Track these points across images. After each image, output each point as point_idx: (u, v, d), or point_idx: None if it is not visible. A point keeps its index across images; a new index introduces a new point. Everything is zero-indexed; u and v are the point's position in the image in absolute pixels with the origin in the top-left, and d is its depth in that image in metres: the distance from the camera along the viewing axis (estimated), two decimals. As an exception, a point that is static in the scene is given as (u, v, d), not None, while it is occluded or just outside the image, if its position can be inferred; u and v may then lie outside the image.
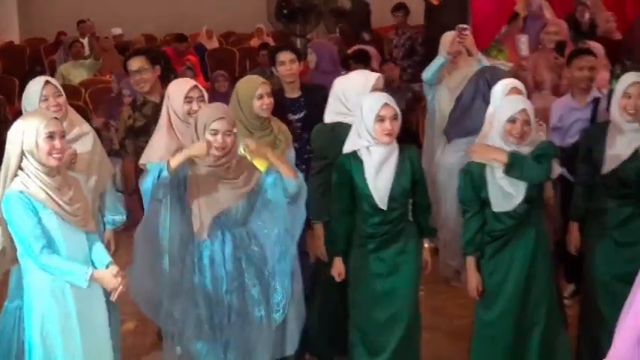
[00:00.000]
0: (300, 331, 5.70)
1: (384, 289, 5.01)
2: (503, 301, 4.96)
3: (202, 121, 4.51)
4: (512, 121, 4.75)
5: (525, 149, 4.83)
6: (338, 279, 5.10)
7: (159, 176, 4.41)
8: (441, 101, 7.63)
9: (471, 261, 4.99)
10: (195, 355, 4.70)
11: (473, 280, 4.97)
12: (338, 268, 5.09)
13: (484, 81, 6.50)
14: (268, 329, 4.85)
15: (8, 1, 15.84)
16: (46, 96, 4.92)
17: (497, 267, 4.96)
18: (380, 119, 4.75)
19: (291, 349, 5.67)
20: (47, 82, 5.04)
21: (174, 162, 4.43)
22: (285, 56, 6.46)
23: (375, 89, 5.33)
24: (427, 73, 7.71)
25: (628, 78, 5.06)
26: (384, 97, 4.90)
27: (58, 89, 5.05)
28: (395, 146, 4.92)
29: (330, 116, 5.47)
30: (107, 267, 4.23)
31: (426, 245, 5.23)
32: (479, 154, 4.87)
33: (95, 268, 4.21)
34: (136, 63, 6.24)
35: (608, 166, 5.06)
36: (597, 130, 5.28)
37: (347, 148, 4.93)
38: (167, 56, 11.68)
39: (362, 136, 4.86)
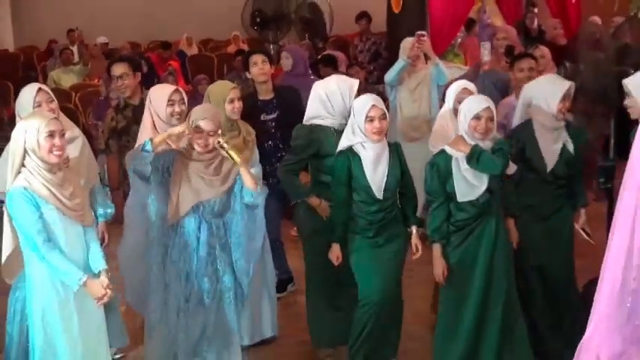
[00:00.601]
0: (275, 314, 5.81)
1: (381, 257, 5.04)
2: (468, 287, 4.97)
3: (192, 117, 4.57)
4: (477, 118, 4.79)
5: (487, 144, 4.87)
6: (335, 263, 5.08)
7: (142, 148, 4.46)
8: (402, 101, 7.68)
9: (437, 248, 4.98)
10: (175, 339, 4.70)
11: (439, 266, 4.97)
12: (335, 253, 5.07)
13: (489, 83, 6.53)
14: (243, 314, 4.92)
15: (2, 12, 15.73)
16: (39, 102, 4.89)
17: (463, 256, 4.98)
18: (370, 119, 4.81)
19: (269, 331, 5.74)
20: (40, 89, 5.01)
21: (158, 138, 4.49)
22: (257, 58, 6.49)
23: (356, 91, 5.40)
24: (389, 76, 7.74)
25: (477, 102, 5.00)
26: (372, 99, 4.95)
27: (50, 95, 5.03)
28: (385, 142, 4.99)
29: (309, 118, 5.45)
30: (100, 273, 4.24)
31: (414, 231, 5.23)
32: (453, 143, 4.88)
33: (91, 268, 4.22)
34: (119, 69, 6.17)
35: (550, 162, 5.12)
36: (526, 129, 5.28)
37: (343, 145, 4.97)
38: (151, 62, 11.71)
39: (356, 134, 4.90)
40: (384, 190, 4.95)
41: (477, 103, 4.89)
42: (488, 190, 4.85)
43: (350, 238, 5.07)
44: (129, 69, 6.17)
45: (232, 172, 4.65)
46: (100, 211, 5.34)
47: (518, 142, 5.23)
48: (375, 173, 4.92)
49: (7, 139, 4.30)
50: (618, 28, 9.40)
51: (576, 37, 10.00)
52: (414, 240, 5.21)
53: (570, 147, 5.23)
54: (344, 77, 5.73)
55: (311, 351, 5.74)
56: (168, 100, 5.23)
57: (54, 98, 5.08)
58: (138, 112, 5.70)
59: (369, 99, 4.97)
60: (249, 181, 4.60)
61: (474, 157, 4.75)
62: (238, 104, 5.43)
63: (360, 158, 4.91)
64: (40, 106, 4.88)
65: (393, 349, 5.31)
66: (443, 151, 4.97)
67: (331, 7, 15.14)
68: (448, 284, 5.04)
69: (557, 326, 5.37)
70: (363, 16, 12.08)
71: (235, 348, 4.93)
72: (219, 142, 4.60)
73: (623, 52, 8.45)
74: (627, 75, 5.16)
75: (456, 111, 5.37)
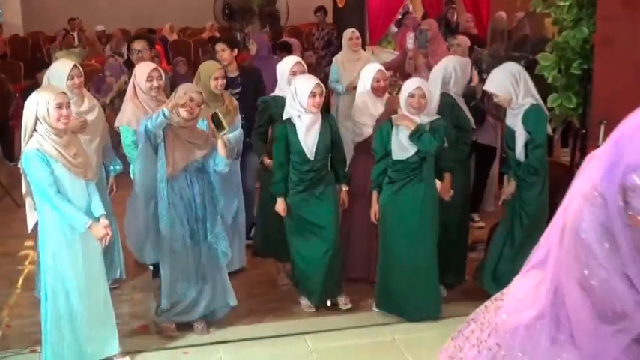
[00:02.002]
0: (244, 251, 5.91)
1: (308, 219, 5.12)
2: (398, 228, 5.04)
3: (184, 89, 4.64)
4: (411, 95, 4.87)
5: (424, 118, 4.93)
6: (282, 214, 5.12)
7: (157, 118, 4.49)
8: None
9: (374, 194, 5.11)
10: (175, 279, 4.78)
11: (375, 208, 5.10)
12: (281, 206, 5.10)
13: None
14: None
15: (14, 2, 15.50)
16: (73, 75, 5.02)
17: (395, 203, 5.03)
18: (312, 95, 4.88)
19: (237, 264, 5.83)
20: (75, 65, 5.14)
21: (170, 106, 4.51)
22: (219, 46, 6.63)
23: (292, 70, 5.46)
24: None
25: (412, 82, 5.08)
26: (315, 79, 5.03)
27: (80, 71, 5.16)
28: (319, 114, 5.04)
29: (275, 91, 5.67)
30: (100, 218, 4.28)
31: (344, 188, 5.31)
32: (400, 119, 4.92)
33: (93, 214, 4.24)
34: (139, 45, 6.45)
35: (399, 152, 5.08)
36: (446, 97, 5.37)
37: (285, 116, 5.04)
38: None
39: (294, 107, 4.97)
40: (315, 152, 5.01)
41: (411, 84, 4.98)
42: (416, 153, 4.91)
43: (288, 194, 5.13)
44: (147, 45, 6.51)
45: (209, 136, 4.74)
46: (110, 167, 5.44)
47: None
48: (307, 138, 4.99)
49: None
50: (520, 22, 9.50)
51: (486, 29, 10.16)
52: (343, 195, 5.31)
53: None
54: (290, 57, 5.89)
55: (270, 280, 5.84)
56: (148, 76, 5.30)
57: (82, 73, 5.21)
58: None
59: (312, 78, 5.06)
60: (223, 151, 4.67)
61: (417, 135, 4.83)
62: (221, 81, 5.53)
63: (295, 127, 4.98)
64: (72, 78, 5.01)
65: (337, 287, 5.34)
66: (389, 120, 5.04)
67: (287, 2, 15.14)
68: (382, 224, 5.12)
69: (449, 257, 5.48)
70: (321, 10, 12.08)
71: (224, 273, 5.03)
72: (215, 112, 4.80)
73: (523, 42, 8.59)
74: (517, 59, 5.30)
75: (373, 89, 5.50)
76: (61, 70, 5.09)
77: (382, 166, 5.07)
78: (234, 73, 6.48)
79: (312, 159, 5.02)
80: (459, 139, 5.37)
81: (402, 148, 4.95)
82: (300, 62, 5.62)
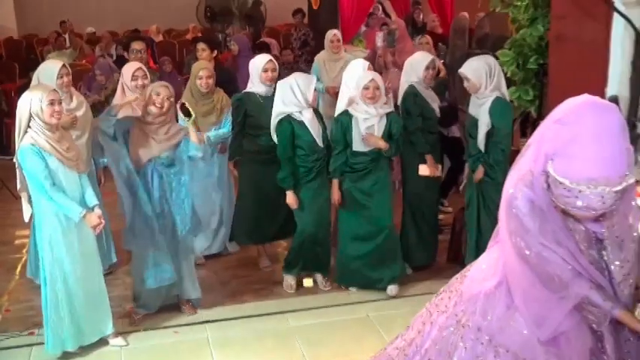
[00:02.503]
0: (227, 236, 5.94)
1: (318, 202, 5.13)
2: (356, 212, 5.13)
3: (151, 88, 4.62)
4: (366, 88, 4.89)
5: (381, 110, 4.95)
6: (294, 207, 5.08)
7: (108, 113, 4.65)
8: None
9: (335, 182, 5.11)
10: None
11: (336, 195, 5.11)
12: (292, 199, 5.06)
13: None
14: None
15: (7, 6, 15.29)
16: (62, 74, 5.01)
17: (355, 190, 5.09)
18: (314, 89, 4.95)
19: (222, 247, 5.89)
20: (63, 65, 5.14)
21: (118, 106, 4.68)
22: (199, 46, 6.81)
23: (265, 68, 5.42)
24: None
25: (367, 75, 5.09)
26: (311, 75, 5.14)
27: (68, 70, 5.15)
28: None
29: (248, 87, 5.61)
30: (94, 208, 4.25)
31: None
32: (370, 140, 4.95)
33: (87, 204, 4.22)
34: (139, 45, 6.69)
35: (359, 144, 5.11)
36: (412, 89, 5.38)
37: (283, 110, 4.97)
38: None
39: (294, 103, 4.93)
40: (322, 140, 5.05)
41: (365, 77, 4.99)
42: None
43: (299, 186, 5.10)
44: (145, 46, 6.83)
45: (177, 134, 4.65)
46: (99, 160, 5.42)
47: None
48: (314, 129, 5.00)
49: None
50: (481, 21, 9.55)
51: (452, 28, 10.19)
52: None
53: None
54: (261, 55, 5.78)
55: (253, 263, 5.85)
56: (133, 76, 5.34)
57: (70, 72, 5.20)
58: None
59: (309, 76, 5.13)
60: (194, 137, 4.63)
61: (388, 152, 4.99)
62: (206, 81, 5.51)
63: (300, 122, 4.95)
64: (62, 77, 5.01)
65: (325, 265, 5.39)
66: (346, 112, 5.05)
67: (265, 5, 15.09)
68: (342, 209, 5.19)
69: (422, 239, 5.57)
70: (299, 12, 12.06)
71: (191, 259, 4.99)
72: (183, 102, 4.79)
73: (484, 39, 8.63)
74: (477, 55, 5.32)
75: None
76: (50, 69, 5.07)
77: (342, 157, 5.06)
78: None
79: (322, 146, 5.06)
80: (424, 127, 5.37)
81: (362, 140, 5.00)
82: (271, 60, 5.53)
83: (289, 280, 5.35)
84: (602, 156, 2.08)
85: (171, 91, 4.64)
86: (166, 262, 4.66)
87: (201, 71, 5.53)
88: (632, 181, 2.14)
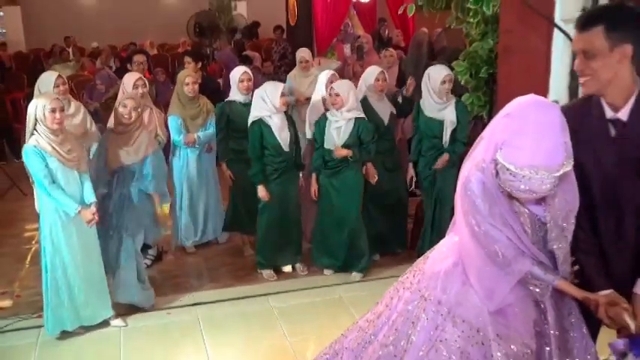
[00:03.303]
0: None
1: (276, 203, 5.07)
2: (330, 203, 5.11)
3: (118, 100, 4.62)
4: (330, 95, 4.96)
5: (347, 115, 4.93)
6: (266, 199, 5.01)
7: None
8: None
9: (314, 176, 5.14)
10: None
11: (312, 188, 5.14)
12: (263, 192, 5.00)
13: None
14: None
15: (17, 23, 15.15)
16: (58, 84, 4.96)
17: (329, 184, 5.09)
18: (282, 95, 4.87)
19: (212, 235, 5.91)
20: (59, 75, 5.10)
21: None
22: (186, 59, 6.87)
23: (241, 79, 5.43)
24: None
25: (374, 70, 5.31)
26: (282, 85, 5.02)
27: (64, 80, 5.13)
28: (284, 114, 5.01)
29: (230, 96, 5.58)
30: (90, 205, 4.18)
31: (300, 174, 5.28)
32: (338, 152, 4.97)
33: (84, 200, 4.17)
34: (141, 58, 6.86)
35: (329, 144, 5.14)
36: (365, 100, 5.34)
37: (256, 115, 4.93)
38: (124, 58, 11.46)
39: (265, 109, 4.89)
40: (288, 145, 5.00)
41: (328, 87, 5.12)
42: (344, 145, 4.95)
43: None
44: (145, 59, 6.99)
45: (149, 146, 4.57)
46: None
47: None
48: (282, 134, 4.95)
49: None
50: (438, 35, 9.57)
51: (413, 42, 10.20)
52: (302, 179, 5.31)
53: (394, 111, 5.42)
54: (240, 67, 5.79)
55: (238, 252, 5.82)
56: (134, 84, 5.29)
57: (66, 82, 5.21)
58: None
59: (280, 85, 5.01)
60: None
61: (354, 159, 4.98)
62: (191, 87, 5.52)
63: (269, 125, 4.91)
64: (57, 86, 4.95)
65: (296, 252, 5.38)
66: (325, 115, 5.08)
67: (247, 22, 15.03)
68: (320, 200, 5.19)
69: (392, 228, 5.56)
70: (279, 28, 12.04)
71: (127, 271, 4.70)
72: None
73: (442, 52, 8.66)
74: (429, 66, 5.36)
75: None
76: (48, 79, 5.03)
77: (320, 153, 5.08)
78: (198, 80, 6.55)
79: (287, 150, 4.99)
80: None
81: (332, 139, 5.00)
82: (246, 71, 5.54)
83: (266, 272, 5.31)
84: (543, 147, 2.16)
85: (139, 103, 4.61)
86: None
87: (187, 78, 5.53)
88: (568, 168, 2.22)
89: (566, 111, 2.34)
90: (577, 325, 2.43)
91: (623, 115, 2.33)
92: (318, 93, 5.54)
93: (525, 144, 2.16)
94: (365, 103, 5.29)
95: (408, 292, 2.59)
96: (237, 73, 5.52)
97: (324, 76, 5.57)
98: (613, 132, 2.35)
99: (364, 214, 5.23)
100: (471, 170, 2.32)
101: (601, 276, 2.39)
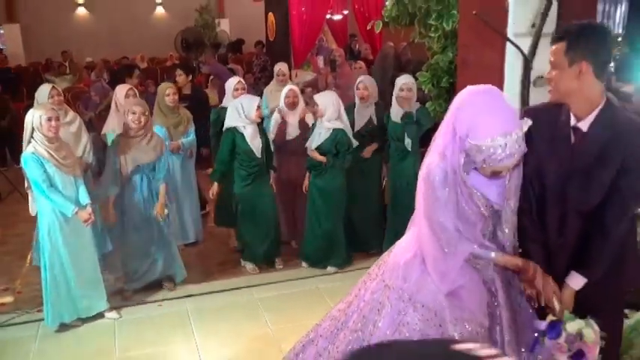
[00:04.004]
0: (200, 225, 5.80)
1: (257, 205, 5.04)
2: (314, 203, 5.08)
3: (126, 108, 4.56)
4: (312, 106, 4.94)
5: (328, 125, 4.90)
6: (213, 196, 5.10)
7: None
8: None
9: (307, 174, 5.15)
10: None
11: (305, 183, 5.16)
12: (215, 189, 5.04)
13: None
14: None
15: (16, 39, 14.90)
16: (52, 95, 4.92)
17: (315, 187, 5.09)
18: (258, 108, 4.85)
19: (197, 237, 5.74)
20: (53, 86, 5.09)
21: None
22: (177, 72, 6.82)
23: (236, 87, 5.47)
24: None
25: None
26: (257, 98, 5.01)
27: (59, 91, 5.08)
28: (257, 124, 4.97)
29: (223, 102, 5.62)
30: (86, 206, 4.14)
31: (272, 173, 5.24)
32: (312, 155, 4.98)
33: (80, 202, 4.12)
34: (136, 72, 6.81)
35: (358, 126, 5.24)
36: (351, 106, 5.35)
37: (230, 124, 4.90)
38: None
39: (239, 120, 4.86)
40: (260, 152, 4.96)
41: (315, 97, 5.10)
42: (323, 152, 4.94)
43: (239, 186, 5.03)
44: (139, 72, 7.03)
45: (159, 144, 4.60)
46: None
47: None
48: (254, 142, 4.91)
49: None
50: (404, 49, 9.62)
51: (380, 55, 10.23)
52: (272, 180, 5.24)
53: (374, 119, 5.35)
54: (234, 77, 5.80)
55: (223, 249, 5.75)
56: (126, 94, 5.29)
57: (61, 93, 5.16)
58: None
59: (255, 98, 5.01)
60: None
61: (329, 165, 4.96)
62: (172, 97, 5.46)
63: (243, 134, 4.87)
64: (52, 97, 4.91)
65: (275, 248, 5.31)
66: (315, 122, 5.07)
67: (229, 37, 14.96)
68: (308, 198, 5.15)
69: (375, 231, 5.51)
70: (259, 43, 12.02)
71: (174, 247, 4.91)
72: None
73: (407, 64, 8.70)
74: (396, 77, 5.39)
75: (286, 104, 5.38)
76: (42, 91, 5.00)
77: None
78: (187, 92, 6.58)
79: (259, 156, 4.95)
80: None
81: (312, 144, 5.00)
82: (241, 81, 5.63)
83: (249, 266, 5.27)
84: (503, 115, 2.21)
85: (146, 107, 4.57)
86: (150, 250, 4.64)
87: (168, 89, 5.49)
88: (526, 126, 2.35)
89: (540, 110, 2.45)
90: (525, 306, 2.48)
91: (584, 125, 2.35)
92: (279, 102, 5.54)
93: (488, 120, 2.18)
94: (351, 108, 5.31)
95: (374, 283, 2.61)
96: (233, 82, 5.59)
97: (286, 88, 5.53)
98: (573, 139, 2.38)
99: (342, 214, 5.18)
100: (434, 160, 2.32)
101: (544, 264, 2.43)
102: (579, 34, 2.31)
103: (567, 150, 2.37)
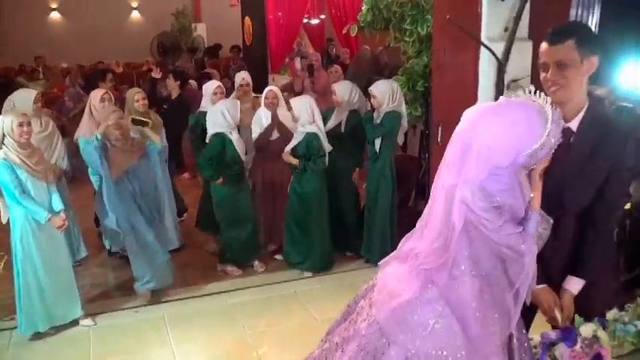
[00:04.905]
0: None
1: (239, 208, 5.05)
2: (294, 206, 5.08)
3: (106, 118, 4.52)
4: (288, 109, 4.93)
5: (301, 129, 4.90)
6: (220, 183, 5.00)
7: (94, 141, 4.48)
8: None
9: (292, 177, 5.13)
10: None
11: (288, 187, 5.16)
12: (221, 181, 4.97)
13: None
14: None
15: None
16: (37, 100, 4.91)
17: (293, 191, 5.07)
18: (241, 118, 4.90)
19: (177, 243, 5.75)
20: (38, 93, 5.10)
21: (99, 130, 4.47)
22: (168, 78, 6.97)
23: (215, 92, 5.50)
24: None
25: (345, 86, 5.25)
26: (238, 104, 5.00)
27: (39, 97, 5.04)
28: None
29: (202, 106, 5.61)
30: (59, 212, 4.10)
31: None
32: (286, 158, 4.99)
33: (53, 208, 4.08)
34: (109, 76, 6.68)
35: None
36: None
37: (216, 130, 4.87)
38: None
39: (224, 125, 4.84)
40: (246, 154, 5.01)
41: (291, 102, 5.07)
42: (296, 155, 4.95)
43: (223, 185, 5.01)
44: (113, 76, 6.90)
45: (140, 143, 4.62)
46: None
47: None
48: (239, 145, 4.92)
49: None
50: (380, 53, 9.69)
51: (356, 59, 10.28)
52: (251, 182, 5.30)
53: (342, 126, 5.30)
54: (213, 82, 5.81)
55: (201, 255, 5.70)
56: (100, 98, 5.23)
57: (41, 100, 5.12)
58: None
59: (237, 105, 4.98)
60: (154, 136, 4.74)
61: (299, 168, 4.95)
62: (142, 102, 5.38)
63: (230, 139, 4.86)
64: (36, 102, 4.89)
65: (256, 251, 5.32)
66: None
67: (205, 42, 14.89)
68: (288, 201, 5.14)
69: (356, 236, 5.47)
70: (235, 48, 12.02)
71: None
72: (132, 117, 4.88)
73: (383, 68, 8.75)
74: (373, 80, 5.38)
75: (265, 104, 5.34)
76: (26, 96, 4.92)
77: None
78: (175, 95, 6.84)
79: (243, 159, 4.99)
80: None
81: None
82: (220, 85, 5.60)
83: (229, 268, 5.25)
84: (526, 124, 1.99)
85: (121, 113, 4.58)
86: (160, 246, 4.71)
87: (137, 95, 5.41)
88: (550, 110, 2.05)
89: None
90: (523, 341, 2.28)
91: (573, 125, 2.34)
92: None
93: (515, 135, 1.96)
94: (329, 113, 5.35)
95: (366, 324, 2.22)
96: (212, 86, 5.57)
97: (266, 90, 5.50)
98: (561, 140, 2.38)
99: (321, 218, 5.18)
100: (466, 199, 1.99)
101: (539, 272, 2.28)
102: (587, 28, 2.31)
103: (565, 151, 2.30)
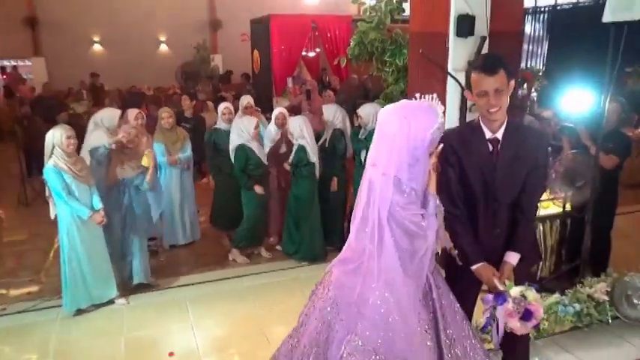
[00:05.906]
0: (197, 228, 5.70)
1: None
2: (290, 206, 5.07)
3: (122, 130, 4.45)
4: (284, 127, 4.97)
5: (294, 141, 4.90)
6: (261, 192, 4.95)
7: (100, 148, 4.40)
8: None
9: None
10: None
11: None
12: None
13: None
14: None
15: (41, 69, 14.56)
16: (138, 117, 5.02)
17: (291, 191, 5.07)
18: (255, 128, 4.86)
19: (189, 237, 5.66)
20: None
21: (113, 141, 4.40)
22: (184, 97, 6.91)
23: (224, 112, 5.40)
24: None
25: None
26: (254, 120, 4.97)
27: (140, 115, 5.10)
28: None
29: (217, 124, 5.51)
30: (99, 210, 4.07)
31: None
32: (284, 165, 5.02)
33: (94, 207, 4.06)
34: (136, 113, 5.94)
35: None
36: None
37: (239, 142, 4.85)
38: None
39: (244, 137, 4.85)
40: (266, 160, 5.01)
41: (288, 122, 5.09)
42: (290, 163, 4.97)
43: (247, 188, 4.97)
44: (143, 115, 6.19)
45: (138, 166, 4.44)
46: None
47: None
48: (260, 152, 4.94)
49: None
50: (365, 80, 9.69)
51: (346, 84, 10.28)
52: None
53: (327, 142, 5.22)
54: (225, 103, 5.66)
55: (216, 246, 5.66)
56: (135, 117, 5.12)
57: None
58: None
59: (253, 119, 4.98)
60: (150, 177, 4.47)
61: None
62: (167, 120, 5.34)
63: (251, 148, 4.86)
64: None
65: (262, 238, 5.32)
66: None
67: (220, 70, 14.85)
68: (288, 200, 5.13)
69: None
70: (244, 74, 11.99)
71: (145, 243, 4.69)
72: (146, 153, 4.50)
73: (368, 92, 8.76)
74: (358, 105, 5.38)
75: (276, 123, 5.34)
76: (112, 115, 4.86)
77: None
78: (189, 114, 6.60)
79: (266, 163, 4.99)
80: None
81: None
82: (228, 107, 5.50)
83: (239, 259, 5.22)
84: (418, 109, 2.10)
85: (136, 132, 4.47)
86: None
87: (164, 113, 5.40)
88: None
89: (456, 132, 2.50)
90: (445, 294, 2.29)
91: (499, 135, 2.45)
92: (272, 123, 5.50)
93: (414, 125, 2.05)
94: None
95: (321, 302, 2.32)
96: (221, 107, 5.50)
97: (276, 111, 5.52)
98: (490, 148, 2.45)
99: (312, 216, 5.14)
100: (383, 181, 2.10)
101: (475, 252, 2.49)
102: (505, 59, 2.38)
103: (489, 158, 2.44)
